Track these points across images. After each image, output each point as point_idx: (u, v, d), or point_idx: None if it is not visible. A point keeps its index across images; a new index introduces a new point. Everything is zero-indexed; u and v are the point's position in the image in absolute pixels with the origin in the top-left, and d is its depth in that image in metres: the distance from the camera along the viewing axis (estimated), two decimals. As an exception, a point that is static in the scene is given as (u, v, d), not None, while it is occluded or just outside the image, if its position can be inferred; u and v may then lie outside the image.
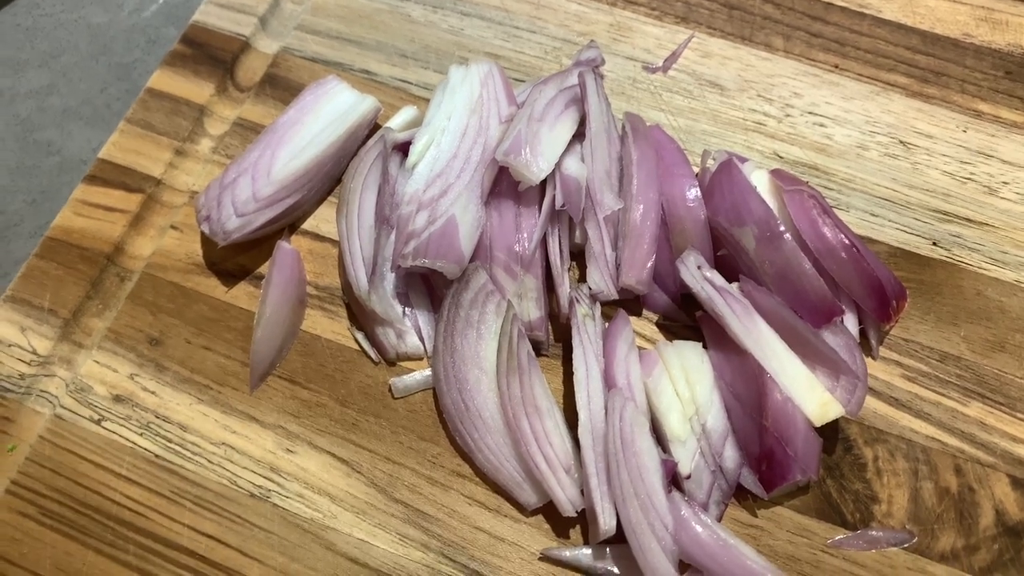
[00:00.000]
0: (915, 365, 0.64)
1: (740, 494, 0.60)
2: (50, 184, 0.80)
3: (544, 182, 0.65)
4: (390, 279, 0.65)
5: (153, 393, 0.63)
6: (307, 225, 0.70)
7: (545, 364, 0.65)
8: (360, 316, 0.66)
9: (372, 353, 0.65)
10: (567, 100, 0.68)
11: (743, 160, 0.68)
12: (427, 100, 0.74)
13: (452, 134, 0.68)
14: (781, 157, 0.73)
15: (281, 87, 0.76)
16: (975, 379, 0.64)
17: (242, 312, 0.66)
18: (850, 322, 0.63)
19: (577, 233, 0.66)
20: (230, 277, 0.68)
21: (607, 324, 0.63)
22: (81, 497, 0.60)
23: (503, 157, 0.63)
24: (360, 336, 0.65)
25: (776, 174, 0.66)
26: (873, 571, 0.58)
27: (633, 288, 0.64)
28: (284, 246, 0.67)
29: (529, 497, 0.59)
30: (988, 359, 0.64)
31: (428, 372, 0.63)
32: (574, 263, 0.68)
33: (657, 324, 0.66)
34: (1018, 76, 0.76)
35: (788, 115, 0.75)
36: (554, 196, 0.64)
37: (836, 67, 0.77)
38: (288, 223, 0.69)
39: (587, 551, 0.58)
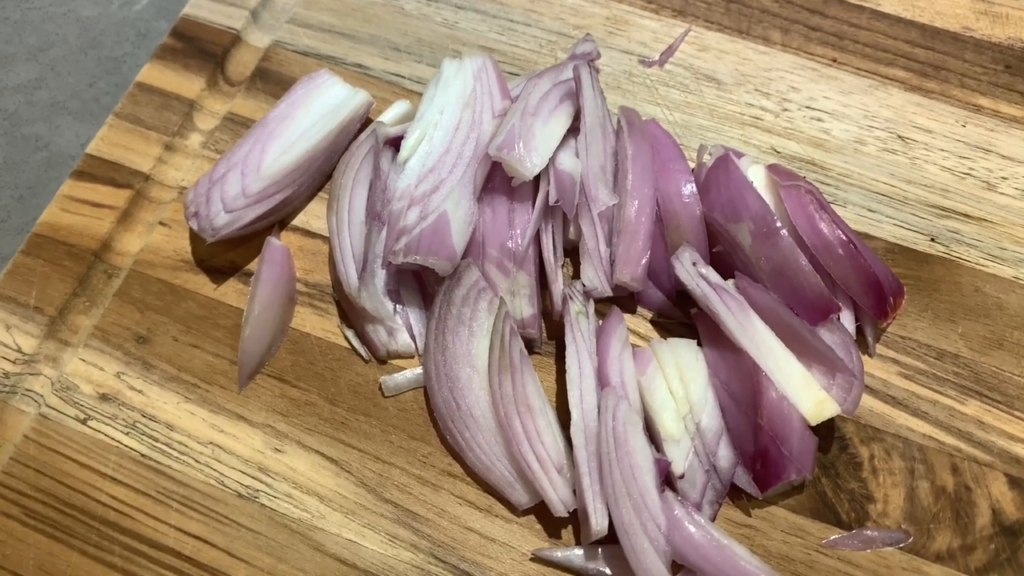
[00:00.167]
0: (912, 363, 0.63)
1: (734, 494, 0.59)
2: (38, 179, 0.79)
3: (538, 177, 0.64)
4: (381, 276, 0.64)
5: (140, 392, 0.63)
6: (297, 221, 0.69)
7: (538, 362, 0.64)
8: (351, 313, 0.65)
9: (362, 351, 0.64)
10: (562, 94, 0.67)
11: (740, 155, 0.67)
12: (420, 94, 0.73)
13: (445, 129, 0.67)
14: (778, 152, 0.72)
15: (272, 81, 0.75)
16: (973, 377, 0.63)
17: (231, 309, 0.65)
18: (847, 319, 0.62)
19: (571, 229, 0.66)
20: (219, 274, 0.67)
21: (601, 321, 0.63)
22: (66, 497, 0.59)
23: (496, 152, 0.62)
24: (350, 334, 0.64)
25: (773, 169, 0.66)
26: (868, 571, 0.57)
27: (627, 285, 0.63)
28: (274, 242, 0.66)
29: (520, 497, 0.58)
30: (986, 357, 0.63)
31: (419, 370, 0.63)
32: (568, 260, 0.67)
33: (652, 321, 0.66)
34: (1018, 70, 0.75)
35: (785, 109, 0.74)
36: (548, 192, 0.63)
37: (834, 61, 0.76)
38: (278, 219, 0.69)
39: (579, 552, 0.57)
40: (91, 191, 0.70)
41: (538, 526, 0.58)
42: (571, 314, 0.61)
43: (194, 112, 0.74)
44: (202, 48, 0.77)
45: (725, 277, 0.61)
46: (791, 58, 0.76)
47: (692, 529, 0.55)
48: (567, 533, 0.58)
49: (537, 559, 0.57)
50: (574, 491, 0.57)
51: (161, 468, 0.60)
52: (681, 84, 0.75)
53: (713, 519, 0.57)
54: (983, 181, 0.70)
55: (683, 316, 0.65)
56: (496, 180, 0.65)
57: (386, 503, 0.59)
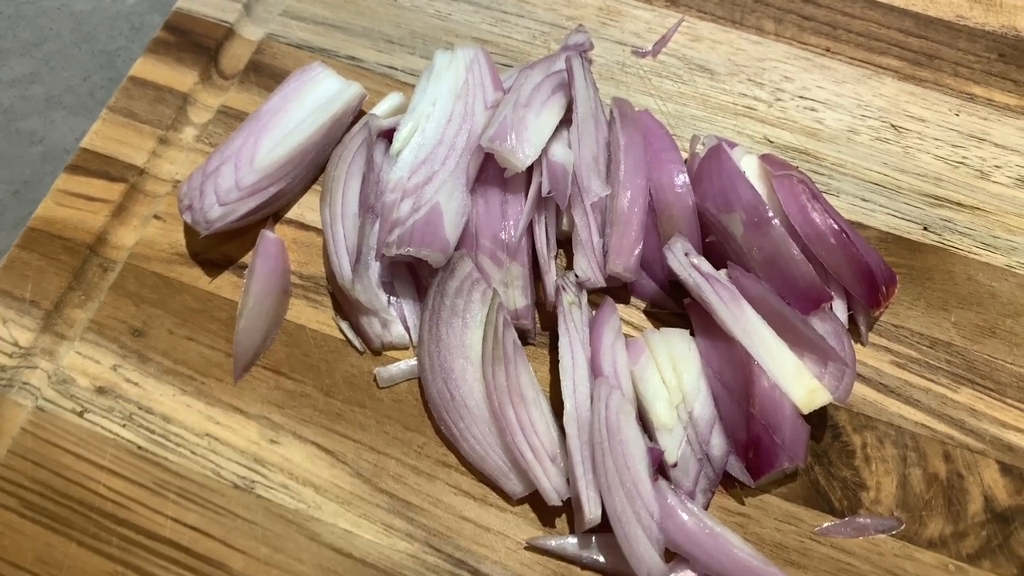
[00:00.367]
0: (905, 351, 0.64)
1: (727, 482, 0.59)
2: (33, 174, 0.79)
3: (530, 169, 0.64)
4: (375, 268, 0.65)
5: (136, 384, 0.63)
6: (291, 214, 0.70)
7: (531, 353, 0.64)
8: (345, 306, 0.65)
9: (357, 343, 0.64)
10: (554, 85, 0.67)
11: (732, 145, 0.67)
12: (413, 86, 0.73)
13: (437, 120, 0.67)
14: (771, 142, 0.72)
15: (266, 74, 0.75)
16: (965, 365, 0.63)
17: (226, 302, 0.66)
18: (839, 308, 0.62)
19: (564, 220, 0.66)
20: (214, 267, 0.67)
21: (594, 312, 0.63)
22: (63, 489, 0.59)
23: (489, 143, 0.63)
24: (345, 326, 0.65)
25: (766, 159, 0.66)
26: (861, 558, 0.57)
27: (620, 275, 0.63)
28: (268, 235, 0.66)
29: (515, 486, 0.58)
30: (978, 345, 0.64)
31: (413, 362, 0.63)
32: (561, 251, 0.68)
33: (645, 312, 0.66)
34: (1011, 59, 0.75)
35: (778, 99, 0.74)
36: (540, 183, 0.63)
37: (827, 50, 0.76)
38: (272, 212, 0.69)
39: (573, 540, 0.57)
40: (86, 185, 0.70)
41: (532, 515, 0.59)
42: (564, 305, 0.61)
43: (188, 106, 0.74)
44: (195, 42, 0.77)
45: (718, 267, 0.61)
46: (784, 48, 0.76)
47: (685, 517, 0.55)
48: (561, 522, 0.59)
49: (531, 547, 0.58)
50: (568, 480, 0.57)
51: (158, 460, 0.60)
52: (674, 74, 0.75)
53: (706, 507, 0.58)
54: (976, 170, 0.70)
55: (676, 306, 0.65)
56: (489, 171, 0.65)
57: (381, 493, 0.59)
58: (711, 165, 0.64)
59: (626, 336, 0.62)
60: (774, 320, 0.59)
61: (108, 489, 0.59)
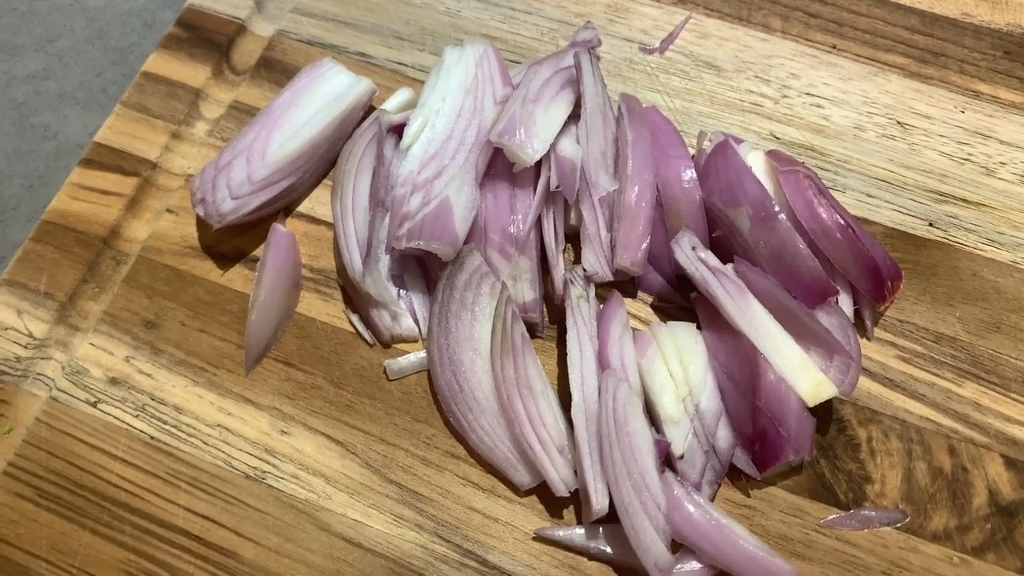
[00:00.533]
0: (910, 346, 0.64)
1: (733, 474, 0.60)
2: (47, 168, 0.80)
3: (539, 163, 0.65)
4: (385, 261, 0.65)
5: (149, 375, 0.64)
6: (302, 208, 0.70)
7: (539, 346, 0.65)
8: (355, 298, 0.66)
9: (367, 335, 0.65)
10: (563, 81, 0.68)
11: (739, 141, 0.68)
12: (423, 82, 0.74)
13: (447, 116, 0.68)
14: (778, 138, 0.72)
15: (277, 70, 0.76)
16: (970, 360, 0.63)
17: (237, 295, 0.66)
18: (845, 303, 0.63)
19: (572, 215, 0.66)
20: (225, 260, 0.68)
21: (601, 306, 0.64)
22: (77, 478, 0.60)
23: (498, 138, 0.63)
24: (355, 318, 0.65)
25: (772, 155, 0.66)
26: (866, 550, 0.58)
27: (628, 270, 0.64)
28: (279, 229, 0.67)
29: (523, 477, 0.59)
30: (983, 340, 0.64)
31: (423, 354, 0.64)
32: (569, 245, 0.68)
33: (652, 306, 0.66)
34: (1017, 56, 0.76)
35: (785, 96, 0.74)
36: (549, 177, 0.64)
37: (834, 47, 0.77)
38: (283, 206, 0.69)
39: (580, 531, 0.58)
40: (99, 179, 0.71)
41: (540, 506, 0.59)
42: (572, 298, 0.62)
43: (200, 101, 0.75)
44: (207, 38, 0.77)
45: (724, 261, 0.62)
46: (791, 45, 0.77)
47: (691, 509, 0.55)
48: (568, 513, 0.59)
49: (539, 538, 0.58)
50: (575, 472, 0.58)
51: (170, 450, 0.61)
52: (681, 71, 0.76)
53: (712, 499, 0.58)
54: (982, 166, 0.71)
55: (683, 300, 0.66)
56: (498, 166, 0.66)
57: (391, 484, 0.60)
58: (718, 160, 0.64)
59: (633, 329, 0.63)
60: (780, 314, 0.59)
61: (121, 478, 0.60)
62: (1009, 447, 0.61)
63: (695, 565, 0.56)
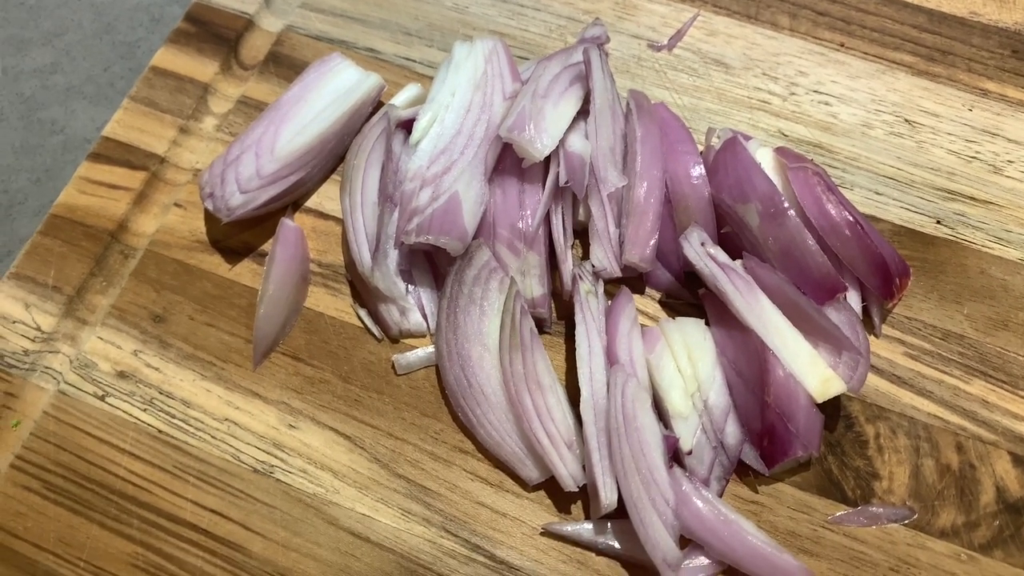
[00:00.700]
0: (918, 343, 0.64)
1: (741, 470, 0.60)
2: (54, 162, 0.80)
3: (548, 159, 0.65)
4: (393, 256, 0.65)
5: (157, 369, 0.64)
6: (311, 202, 0.70)
7: (548, 341, 0.65)
8: (363, 293, 0.66)
9: (375, 330, 0.65)
10: (572, 77, 0.68)
11: (748, 138, 0.68)
12: (431, 78, 0.74)
13: (456, 111, 0.68)
14: (786, 136, 0.72)
15: (285, 65, 0.76)
16: (977, 357, 0.63)
17: (245, 289, 0.66)
18: (853, 299, 0.63)
19: (581, 210, 0.66)
20: (234, 254, 0.68)
21: (610, 301, 0.64)
22: (85, 472, 0.60)
23: (507, 133, 0.63)
24: (363, 313, 0.65)
25: (780, 152, 0.66)
26: (873, 547, 0.58)
27: (636, 265, 0.64)
28: (288, 223, 0.67)
29: (531, 472, 0.59)
30: (991, 337, 0.64)
31: (431, 349, 0.64)
32: (577, 240, 0.68)
33: (660, 302, 0.66)
34: (1025, 55, 0.76)
35: (793, 93, 0.74)
36: (558, 173, 0.64)
37: (842, 45, 0.77)
38: (292, 200, 0.69)
39: (588, 526, 0.58)
40: (107, 173, 0.71)
41: (548, 501, 0.59)
42: (581, 294, 0.62)
43: (208, 95, 0.75)
44: (216, 33, 0.77)
45: (733, 257, 0.62)
46: (799, 43, 0.77)
47: (700, 504, 0.55)
48: (577, 508, 0.59)
49: (547, 533, 0.58)
50: (584, 467, 0.58)
51: (178, 444, 0.61)
52: (690, 68, 0.76)
53: (720, 495, 0.58)
54: (989, 164, 0.71)
55: (691, 296, 0.66)
56: (507, 161, 0.66)
57: (399, 478, 0.60)
58: (727, 157, 0.64)
59: (642, 325, 0.63)
60: (789, 310, 0.59)
61: (129, 472, 0.60)
62: (1017, 444, 0.61)
63: (703, 560, 0.56)
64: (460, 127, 0.66)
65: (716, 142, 0.68)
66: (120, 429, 0.62)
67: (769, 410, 0.57)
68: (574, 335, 0.60)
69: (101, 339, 0.65)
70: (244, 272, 0.67)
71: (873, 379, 0.63)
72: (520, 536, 0.58)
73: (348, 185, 0.67)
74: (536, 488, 0.60)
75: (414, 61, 0.76)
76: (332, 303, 0.66)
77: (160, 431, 0.62)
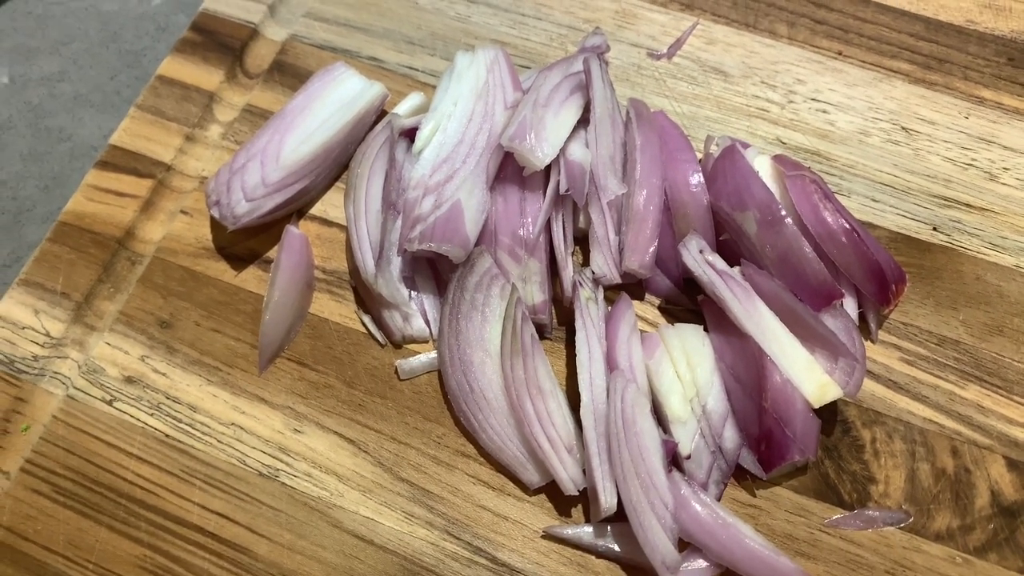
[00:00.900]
0: (914, 348, 0.65)
1: (739, 474, 0.61)
2: (62, 170, 0.81)
3: (548, 167, 0.65)
4: (396, 263, 0.66)
5: (164, 374, 0.65)
6: (315, 210, 0.71)
7: (548, 347, 0.66)
8: (367, 299, 0.67)
9: (379, 336, 0.66)
10: (572, 86, 0.68)
11: (746, 146, 0.69)
12: (434, 87, 0.75)
13: (458, 120, 0.69)
14: (784, 143, 0.73)
15: (289, 74, 0.77)
16: (973, 362, 0.64)
17: (251, 295, 0.67)
18: (850, 306, 0.64)
19: (581, 218, 0.67)
20: (239, 261, 0.69)
21: (610, 308, 0.64)
22: (94, 475, 0.61)
23: (508, 142, 0.64)
24: (367, 319, 0.66)
25: (778, 160, 0.67)
26: (869, 550, 0.58)
27: (636, 272, 0.65)
28: (292, 231, 0.68)
29: (532, 476, 0.60)
30: (986, 343, 0.65)
31: (433, 354, 0.65)
32: (578, 247, 0.69)
33: (659, 308, 0.67)
34: (1021, 63, 0.76)
35: (791, 101, 0.75)
36: (558, 181, 0.65)
37: (840, 54, 0.78)
38: (296, 208, 0.70)
39: (588, 529, 0.59)
40: (115, 180, 0.72)
41: (549, 504, 0.60)
42: (581, 300, 0.63)
43: (213, 104, 0.76)
44: (221, 42, 0.78)
45: (731, 264, 0.63)
46: (797, 51, 0.78)
47: (698, 508, 0.56)
48: (577, 511, 0.60)
49: (548, 536, 0.59)
50: (584, 471, 0.59)
51: (185, 448, 0.62)
52: (689, 76, 0.77)
53: (719, 499, 0.59)
54: (985, 172, 0.72)
55: (690, 302, 0.66)
56: (508, 170, 0.67)
57: (402, 482, 0.61)
58: (725, 164, 0.65)
59: (641, 331, 0.64)
60: (786, 316, 0.60)
61: (137, 476, 0.61)
62: (1011, 449, 0.61)
63: (702, 563, 0.57)
64: (462, 136, 0.67)
65: (715, 150, 0.68)
66: (128, 433, 0.63)
67: (767, 415, 0.58)
68: (574, 341, 0.61)
69: (109, 345, 0.66)
70: (250, 279, 0.68)
71: (869, 384, 0.63)
72: (521, 539, 0.59)
73: (352, 193, 0.67)
74: (537, 492, 0.61)
75: (417, 70, 0.77)
76: (336, 309, 0.67)
77: (167, 435, 0.62)
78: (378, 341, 0.66)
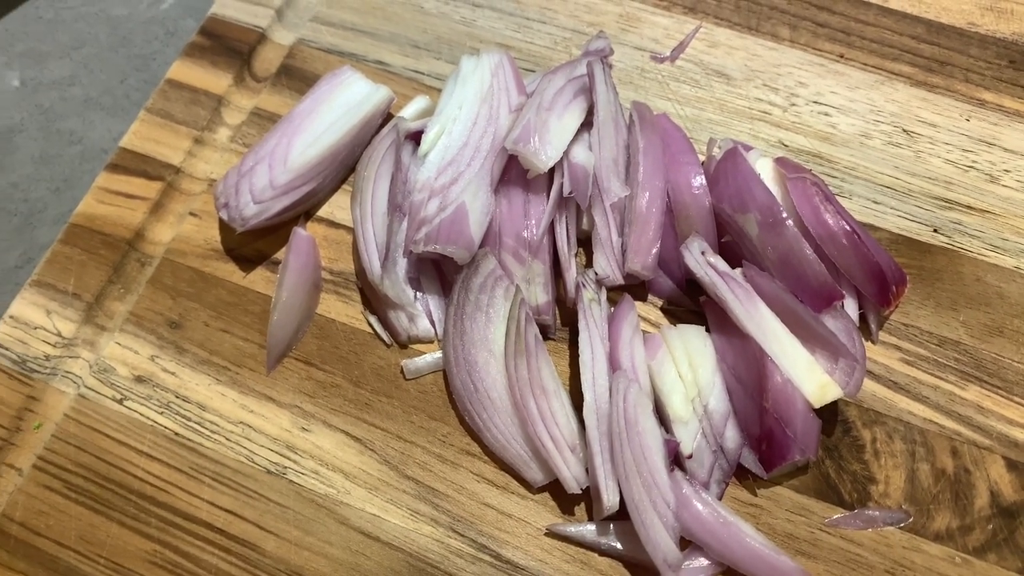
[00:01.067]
0: (914, 349, 0.65)
1: (740, 474, 0.61)
2: (72, 172, 0.82)
3: (552, 170, 0.66)
4: (402, 264, 0.67)
5: (173, 374, 0.66)
6: (322, 212, 0.72)
7: (552, 347, 0.66)
8: (373, 300, 0.67)
9: (385, 336, 0.67)
10: (576, 90, 0.69)
11: (748, 148, 0.69)
12: (439, 90, 0.76)
13: (463, 123, 0.69)
14: (786, 146, 0.74)
15: (297, 77, 0.78)
16: (973, 363, 0.65)
17: (259, 296, 0.68)
18: (850, 307, 0.64)
19: (584, 220, 0.68)
20: (247, 262, 0.70)
21: (613, 308, 0.65)
22: (105, 472, 0.62)
23: (512, 145, 0.65)
24: (373, 320, 0.67)
25: (780, 162, 0.68)
26: (869, 549, 0.59)
27: (638, 273, 0.65)
28: (300, 232, 0.69)
29: (535, 475, 0.61)
30: (986, 344, 0.65)
31: (438, 354, 0.65)
32: (581, 249, 0.70)
33: (662, 309, 0.68)
34: (1022, 65, 0.77)
35: (793, 104, 0.76)
36: (562, 184, 0.65)
37: (841, 57, 0.78)
38: (304, 210, 0.71)
39: (591, 527, 0.59)
40: (125, 183, 0.73)
41: (552, 503, 0.61)
42: (584, 301, 0.63)
43: (222, 107, 0.77)
44: (229, 46, 0.79)
45: (733, 266, 0.63)
46: (799, 54, 0.78)
47: (700, 507, 0.57)
48: (580, 510, 0.61)
49: (551, 534, 0.60)
50: (586, 469, 0.59)
51: (194, 446, 0.63)
52: (691, 79, 0.77)
53: (720, 498, 0.60)
54: (986, 174, 0.72)
55: (692, 303, 0.67)
56: (512, 172, 0.67)
57: (408, 480, 0.62)
58: (727, 167, 0.66)
59: (643, 332, 0.64)
60: (787, 317, 0.61)
61: (147, 473, 0.62)
62: (1011, 449, 0.62)
63: (703, 561, 0.58)
64: (467, 139, 0.68)
65: (717, 152, 0.69)
66: (138, 431, 0.64)
67: (767, 415, 0.59)
68: (578, 341, 0.62)
69: (119, 345, 0.67)
70: (258, 280, 0.69)
71: (870, 384, 0.64)
72: (525, 536, 0.60)
73: (359, 195, 0.68)
74: (541, 490, 0.61)
75: (422, 74, 0.78)
76: (343, 310, 0.68)
77: (176, 433, 0.63)
78: (384, 341, 0.66)
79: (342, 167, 0.72)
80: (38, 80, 0.87)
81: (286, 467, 0.62)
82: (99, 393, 0.65)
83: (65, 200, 0.80)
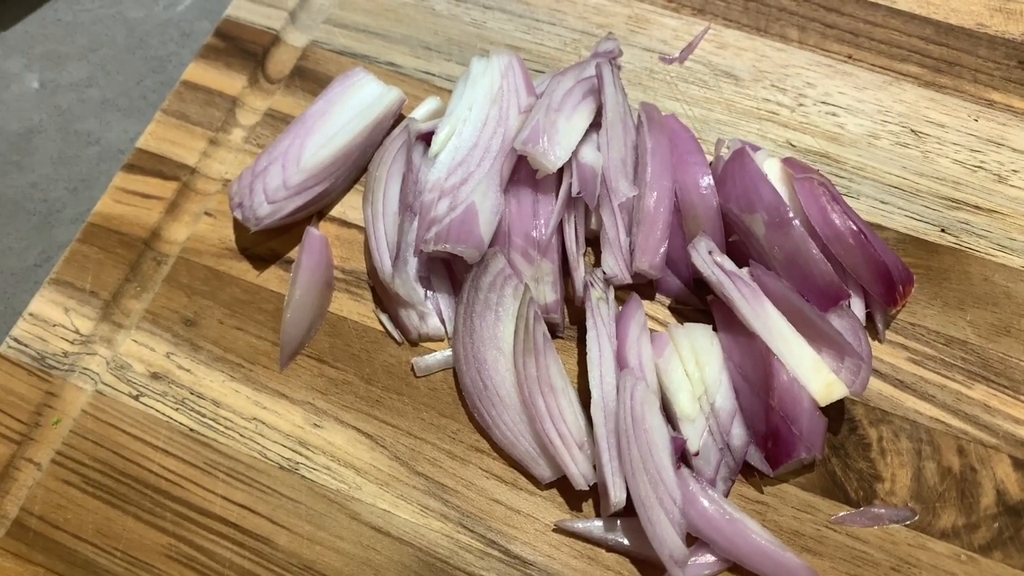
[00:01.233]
0: (921, 348, 0.66)
1: (747, 471, 0.62)
2: (90, 172, 0.83)
3: (561, 170, 0.67)
4: (413, 263, 0.68)
5: (188, 371, 0.67)
6: (335, 212, 0.73)
7: (560, 345, 0.67)
8: (384, 299, 0.68)
9: (396, 334, 0.67)
10: (584, 91, 0.70)
11: (756, 149, 0.70)
12: (450, 91, 0.76)
13: (473, 124, 0.70)
14: (794, 146, 0.74)
15: (310, 79, 0.79)
16: (980, 363, 0.65)
17: (273, 295, 0.69)
18: (857, 306, 0.65)
19: (592, 219, 0.68)
20: (261, 261, 0.71)
21: (620, 307, 0.66)
22: (121, 467, 0.63)
23: (522, 146, 0.66)
24: (384, 318, 0.68)
25: (788, 162, 0.68)
26: (875, 547, 0.59)
27: (646, 273, 0.66)
28: (313, 232, 0.70)
29: (544, 471, 0.61)
30: (993, 343, 0.66)
31: (448, 352, 0.66)
32: (589, 248, 0.70)
33: (669, 308, 0.69)
34: (1031, 66, 0.77)
35: (801, 105, 0.76)
36: (571, 184, 0.66)
37: (850, 57, 0.78)
38: (317, 210, 0.72)
39: (599, 523, 0.60)
40: (141, 183, 0.74)
41: (560, 499, 0.62)
42: (592, 300, 0.64)
43: (236, 108, 0.78)
44: (243, 48, 0.81)
45: (740, 265, 0.64)
46: (807, 55, 0.79)
47: (706, 504, 0.57)
48: (587, 506, 0.62)
49: (559, 530, 0.61)
50: (594, 466, 0.60)
51: (208, 441, 0.64)
52: (700, 80, 0.78)
53: (726, 495, 0.60)
54: (994, 174, 0.72)
55: (699, 302, 0.68)
56: (521, 173, 0.68)
57: (418, 476, 0.62)
58: (735, 167, 0.66)
59: (651, 330, 0.65)
60: (794, 316, 0.61)
61: (162, 468, 0.63)
62: (1017, 448, 0.62)
63: (709, 558, 0.58)
64: (477, 140, 0.69)
65: (725, 153, 0.70)
66: (154, 427, 0.65)
67: (774, 413, 0.59)
68: (586, 340, 0.63)
69: (136, 342, 0.68)
70: (271, 278, 0.70)
71: (876, 383, 0.64)
72: (533, 532, 0.61)
73: (370, 195, 0.69)
74: (549, 486, 0.62)
75: (433, 75, 0.79)
76: (355, 308, 0.69)
77: (191, 429, 0.65)
78: (395, 339, 0.67)
79: (354, 167, 0.73)
80: (56, 82, 0.88)
81: (298, 463, 0.63)
82: (116, 389, 0.66)
83: (83, 200, 0.82)
